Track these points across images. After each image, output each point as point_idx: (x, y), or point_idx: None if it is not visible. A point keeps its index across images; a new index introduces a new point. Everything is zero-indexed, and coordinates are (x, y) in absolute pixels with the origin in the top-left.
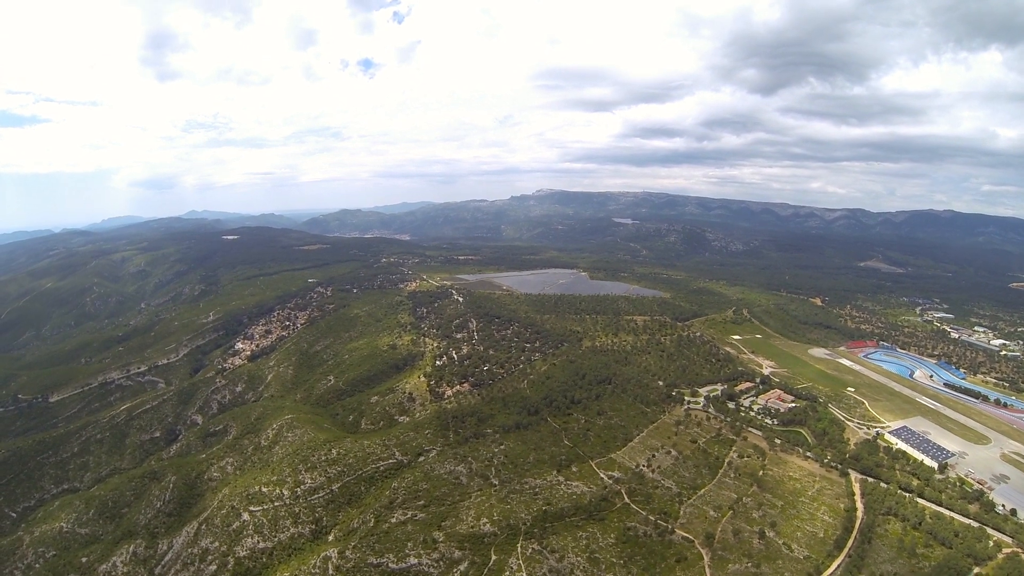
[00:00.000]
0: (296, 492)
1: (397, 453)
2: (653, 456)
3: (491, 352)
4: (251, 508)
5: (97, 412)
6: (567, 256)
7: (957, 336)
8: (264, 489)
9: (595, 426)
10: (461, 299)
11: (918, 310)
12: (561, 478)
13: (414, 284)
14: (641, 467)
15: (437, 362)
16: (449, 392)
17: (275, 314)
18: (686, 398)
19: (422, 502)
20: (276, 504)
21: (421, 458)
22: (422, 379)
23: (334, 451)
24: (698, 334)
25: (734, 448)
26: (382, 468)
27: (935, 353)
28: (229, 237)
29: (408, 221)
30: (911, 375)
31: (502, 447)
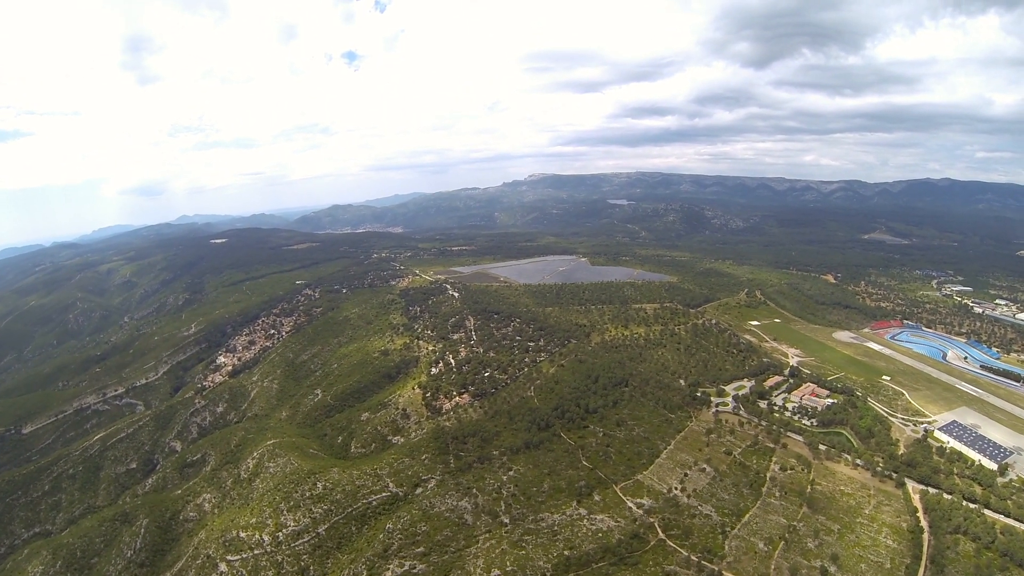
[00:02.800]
0: (278, 537)
1: (391, 484)
2: (686, 475)
3: (491, 354)
4: (228, 557)
5: (72, 442)
6: (565, 241)
7: (981, 311)
8: (243, 534)
9: (616, 440)
10: (457, 294)
11: (934, 283)
12: (582, 511)
13: (407, 280)
14: (674, 490)
15: (433, 369)
16: (447, 405)
17: (260, 322)
18: (712, 399)
19: (421, 549)
20: (256, 552)
21: (419, 490)
22: (417, 391)
23: (320, 485)
24: (713, 321)
25: (774, 459)
26: (375, 503)
27: (963, 331)
28: (217, 241)
29: (400, 213)
30: (944, 357)
31: (511, 473)
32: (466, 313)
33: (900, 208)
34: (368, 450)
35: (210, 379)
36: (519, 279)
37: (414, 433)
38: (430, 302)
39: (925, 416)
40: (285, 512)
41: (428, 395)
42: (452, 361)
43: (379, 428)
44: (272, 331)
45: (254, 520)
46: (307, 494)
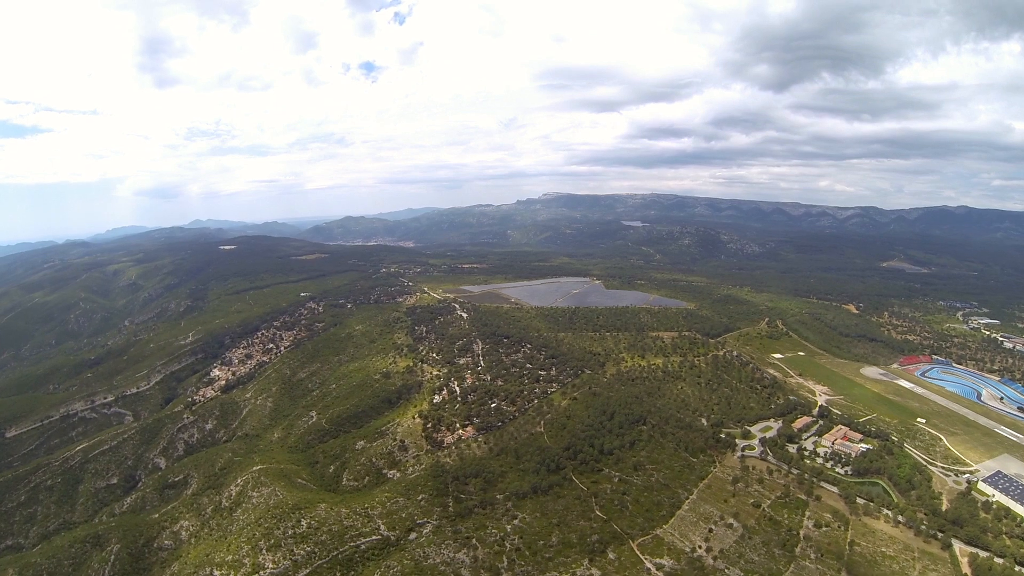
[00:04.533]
0: None
1: (382, 527)
2: (710, 531)
3: (499, 383)
4: None
5: (55, 450)
6: (578, 262)
7: (1011, 346)
8: (217, 572)
9: (633, 487)
10: (465, 315)
11: (960, 315)
12: (595, 571)
13: (414, 298)
14: (698, 549)
15: (436, 397)
16: (449, 438)
17: (259, 334)
18: (737, 441)
19: None
20: None
21: (412, 535)
22: (417, 420)
23: (304, 522)
24: (735, 353)
25: (808, 513)
26: (363, 547)
27: (995, 368)
28: (226, 247)
29: (413, 227)
30: (978, 397)
31: (516, 522)
32: (474, 336)
33: (917, 236)
34: (361, 483)
35: (202, 393)
36: (531, 301)
37: (411, 468)
38: (437, 322)
39: (966, 464)
40: (264, 551)
41: (429, 426)
42: (457, 388)
43: (374, 460)
44: (271, 345)
45: (230, 557)
46: (290, 532)
